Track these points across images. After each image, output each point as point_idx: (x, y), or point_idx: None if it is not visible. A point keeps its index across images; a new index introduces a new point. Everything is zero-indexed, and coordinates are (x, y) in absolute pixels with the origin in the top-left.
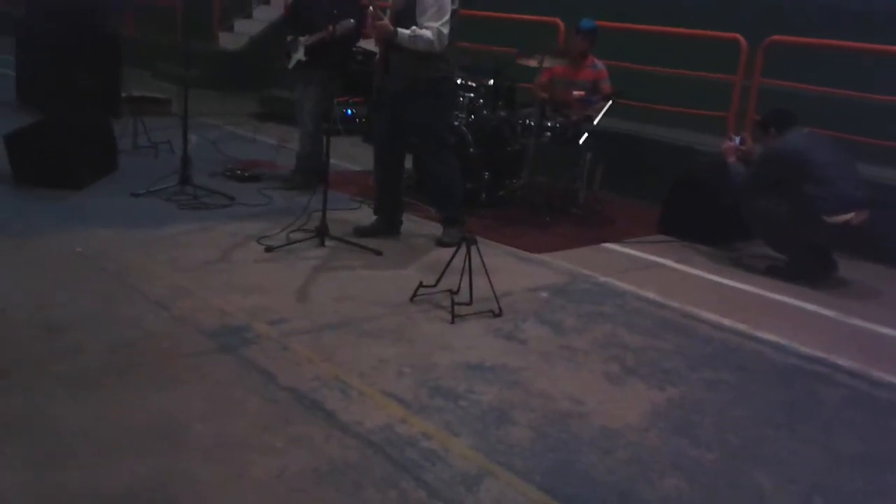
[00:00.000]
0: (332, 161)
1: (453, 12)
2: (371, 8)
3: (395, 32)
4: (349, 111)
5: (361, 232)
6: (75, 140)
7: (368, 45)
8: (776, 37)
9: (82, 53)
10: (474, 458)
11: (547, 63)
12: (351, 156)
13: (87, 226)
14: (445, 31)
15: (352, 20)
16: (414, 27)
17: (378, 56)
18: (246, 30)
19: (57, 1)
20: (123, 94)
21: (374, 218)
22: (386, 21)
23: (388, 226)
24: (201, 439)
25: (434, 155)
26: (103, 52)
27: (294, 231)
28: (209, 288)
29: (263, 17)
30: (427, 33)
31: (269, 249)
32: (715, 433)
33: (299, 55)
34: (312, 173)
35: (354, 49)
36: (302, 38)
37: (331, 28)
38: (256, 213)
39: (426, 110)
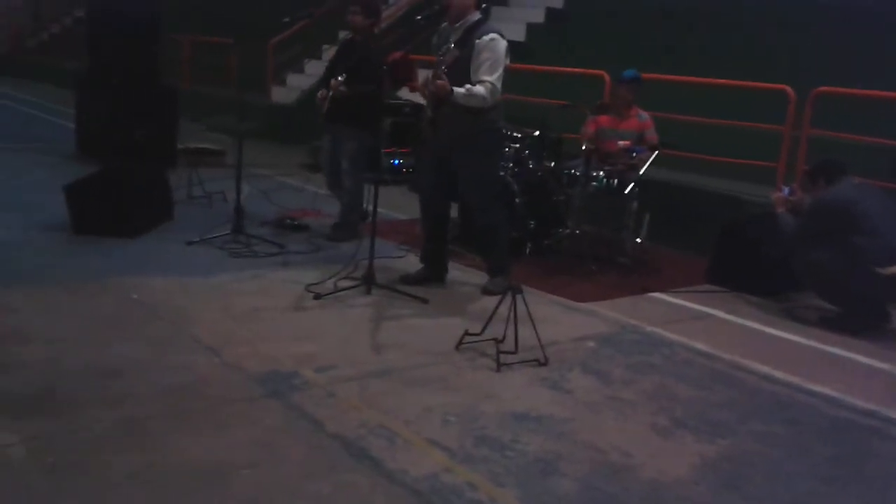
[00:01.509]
0: (379, 210)
1: (504, 66)
2: (432, 71)
3: (452, 91)
4: (396, 161)
5: (408, 280)
6: (132, 190)
7: (415, 97)
8: (824, 87)
9: (140, 107)
10: None
11: (592, 114)
12: (398, 205)
13: (143, 273)
14: (499, 84)
15: (339, 78)
16: (468, 85)
17: (426, 108)
18: (298, 84)
19: (117, 56)
20: (179, 146)
21: (420, 266)
22: (445, 81)
23: (434, 274)
24: (248, 485)
25: (482, 204)
26: (160, 106)
27: (341, 279)
28: (259, 335)
29: (314, 71)
30: (481, 89)
31: (317, 297)
32: (766, 488)
33: (324, 108)
34: (359, 221)
35: (402, 101)
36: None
37: (332, 83)
38: (305, 262)
39: (476, 161)
